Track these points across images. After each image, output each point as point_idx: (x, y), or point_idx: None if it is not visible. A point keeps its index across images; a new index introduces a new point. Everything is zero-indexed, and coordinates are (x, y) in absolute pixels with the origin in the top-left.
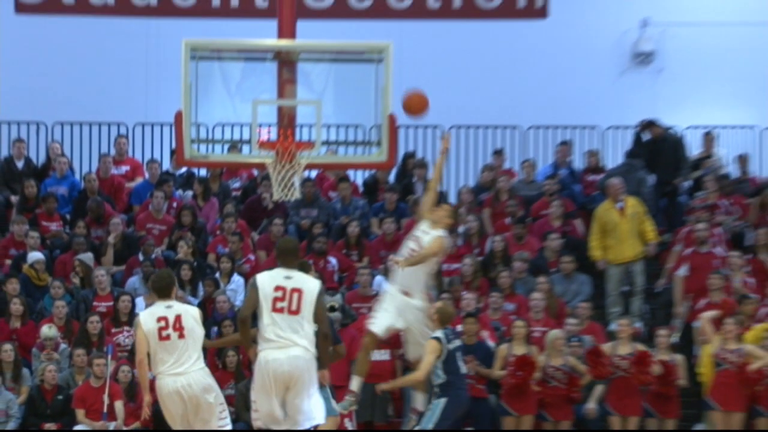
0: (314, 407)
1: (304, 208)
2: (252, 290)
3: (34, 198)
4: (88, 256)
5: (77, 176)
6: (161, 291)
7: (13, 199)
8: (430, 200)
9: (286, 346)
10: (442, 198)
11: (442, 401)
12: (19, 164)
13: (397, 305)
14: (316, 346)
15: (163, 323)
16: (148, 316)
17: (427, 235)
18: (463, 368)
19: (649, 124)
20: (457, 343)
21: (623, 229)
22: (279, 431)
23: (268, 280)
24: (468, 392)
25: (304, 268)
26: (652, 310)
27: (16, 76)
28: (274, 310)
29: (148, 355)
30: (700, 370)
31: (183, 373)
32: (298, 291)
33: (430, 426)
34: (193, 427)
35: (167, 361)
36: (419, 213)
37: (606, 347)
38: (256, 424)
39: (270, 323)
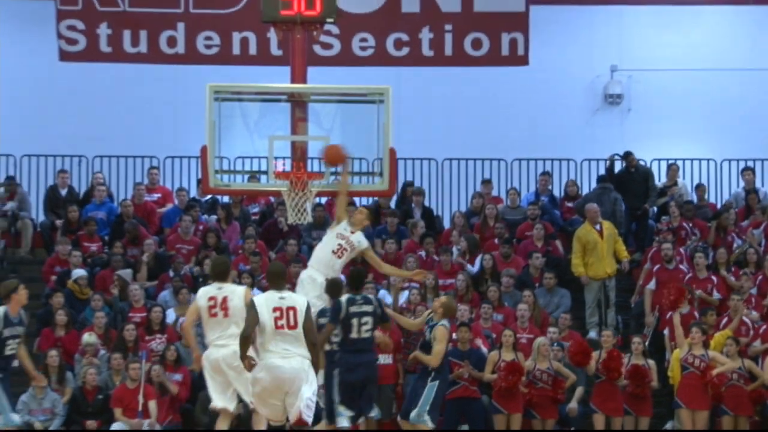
0: (311, 405)
1: (315, 230)
2: (251, 312)
3: (77, 222)
4: (126, 272)
5: (114, 203)
6: (217, 275)
7: (58, 223)
8: (344, 203)
9: (288, 356)
10: (431, 222)
11: (436, 383)
12: (63, 192)
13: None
14: None
15: (212, 302)
16: (203, 293)
17: (350, 234)
18: None
19: (626, 155)
20: None
21: (602, 249)
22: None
23: (264, 303)
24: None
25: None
26: (624, 321)
27: (61, 116)
28: (277, 327)
29: None
30: (670, 373)
31: (225, 345)
32: (293, 309)
33: (427, 407)
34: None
35: (214, 335)
36: (337, 216)
37: (594, 355)
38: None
39: (272, 339)
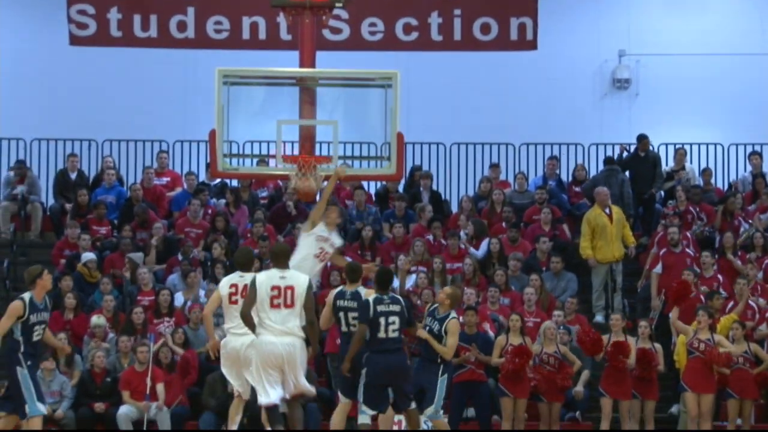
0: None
1: None
2: (252, 289)
3: (86, 205)
4: (138, 255)
5: (124, 187)
6: (241, 265)
7: (67, 206)
8: (322, 210)
9: (282, 334)
10: (439, 206)
11: (446, 377)
12: (73, 176)
13: None
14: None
15: (233, 290)
16: (226, 282)
17: (329, 234)
18: None
19: (641, 138)
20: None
21: (611, 232)
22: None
23: (265, 281)
24: None
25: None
26: (630, 305)
27: (71, 100)
28: (272, 306)
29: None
30: (676, 357)
31: (244, 333)
32: (291, 288)
33: (442, 403)
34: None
35: (233, 323)
36: (313, 219)
37: (603, 339)
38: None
39: (267, 316)
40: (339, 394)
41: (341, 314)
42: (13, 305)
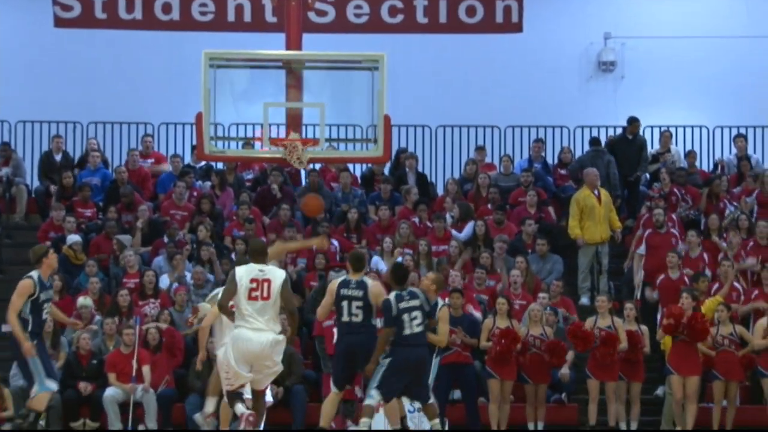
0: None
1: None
2: (231, 282)
3: (71, 187)
4: (126, 238)
5: (109, 169)
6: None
7: (52, 188)
8: (281, 254)
9: (258, 329)
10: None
11: (439, 359)
12: (57, 157)
13: None
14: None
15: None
16: (245, 275)
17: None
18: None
19: (632, 121)
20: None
21: (599, 214)
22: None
23: (245, 274)
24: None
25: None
26: (616, 287)
27: (56, 82)
28: (250, 298)
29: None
30: (660, 339)
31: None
32: (268, 281)
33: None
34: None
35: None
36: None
37: (589, 321)
38: (227, 387)
39: (245, 308)
40: (331, 384)
41: (344, 303)
42: (23, 283)
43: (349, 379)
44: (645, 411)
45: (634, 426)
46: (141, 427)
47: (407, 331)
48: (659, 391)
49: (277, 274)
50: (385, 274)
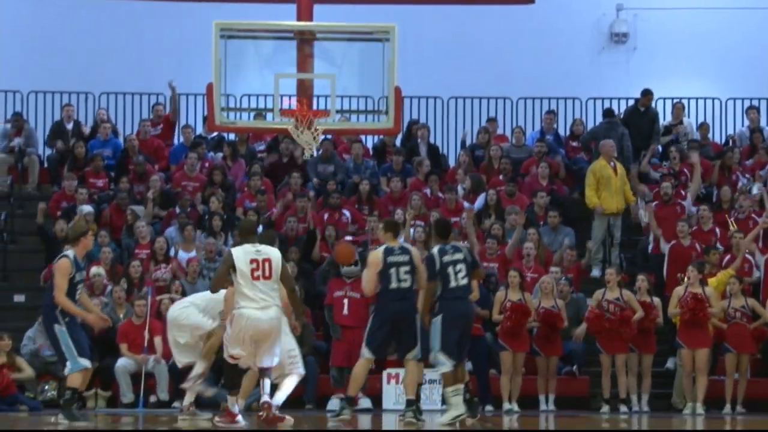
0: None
1: (321, 164)
2: (227, 264)
3: (83, 158)
4: (140, 208)
5: (120, 139)
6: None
7: (60, 146)
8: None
9: (266, 306)
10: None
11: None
12: (69, 126)
13: None
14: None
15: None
16: (242, 258)
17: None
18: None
19: (645, 93)
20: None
21: (615, 185)
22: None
23: (242, 255)
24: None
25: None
26: (627, 259)
27: (68, 52)
28: (254, 278)
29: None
30: (670, 311)
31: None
32: (268, 260)
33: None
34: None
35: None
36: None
37: (597, 293)
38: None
39: (250, 288)
40: (364, 348)
41: (393, 270)
42: (63, 263)
43: (387, 347)
44: (656, 384)
45: (645, 398)
46: (152, 398)
47: (453, 284)
48: (670, 364)
49: (274, 254)
50: (380, 231)
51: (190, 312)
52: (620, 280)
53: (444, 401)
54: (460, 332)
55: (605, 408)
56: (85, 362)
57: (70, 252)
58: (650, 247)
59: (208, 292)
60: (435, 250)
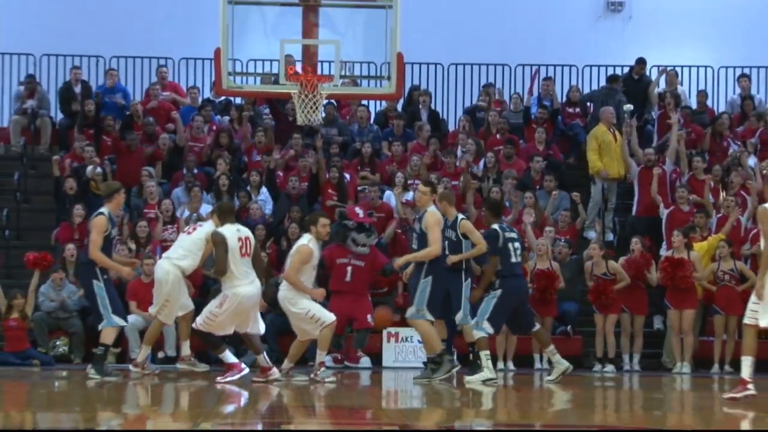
0: None
1: (324, 127)
2: (224, 245)
3: (93, 117)
4: (150, 169)
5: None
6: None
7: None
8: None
9: (252, 281)
10: (437, 125)
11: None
12: (77, 88)
13: None
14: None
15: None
16: (231, 236)
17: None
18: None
19: (639, 61)
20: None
21: (615, 150)
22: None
23: (230, 236)
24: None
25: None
26: (621, 223)
27: (79, 15)
28: (242, 255)
29: None
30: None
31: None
32: (248, 238)
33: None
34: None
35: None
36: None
37: (587, 265)
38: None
39: (238, 266)
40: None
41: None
42: (99, 220)
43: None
44: (646, 344)
45: (636, 358)
46: (161, 354)
47: (513, 260)
48: (658, 323)
49: (249, 232)
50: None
51: (184, 288)
52: (605, 253)
53: (473, 363)
54: (513, 307)
55: (597, 366)
56: (119, 320)
57: (104, 209)
58: (634, 210)
59: (187, 242)
60: (496, 226)
